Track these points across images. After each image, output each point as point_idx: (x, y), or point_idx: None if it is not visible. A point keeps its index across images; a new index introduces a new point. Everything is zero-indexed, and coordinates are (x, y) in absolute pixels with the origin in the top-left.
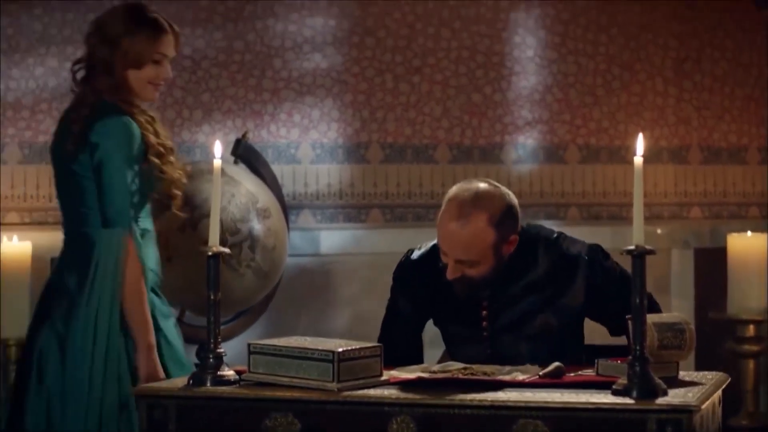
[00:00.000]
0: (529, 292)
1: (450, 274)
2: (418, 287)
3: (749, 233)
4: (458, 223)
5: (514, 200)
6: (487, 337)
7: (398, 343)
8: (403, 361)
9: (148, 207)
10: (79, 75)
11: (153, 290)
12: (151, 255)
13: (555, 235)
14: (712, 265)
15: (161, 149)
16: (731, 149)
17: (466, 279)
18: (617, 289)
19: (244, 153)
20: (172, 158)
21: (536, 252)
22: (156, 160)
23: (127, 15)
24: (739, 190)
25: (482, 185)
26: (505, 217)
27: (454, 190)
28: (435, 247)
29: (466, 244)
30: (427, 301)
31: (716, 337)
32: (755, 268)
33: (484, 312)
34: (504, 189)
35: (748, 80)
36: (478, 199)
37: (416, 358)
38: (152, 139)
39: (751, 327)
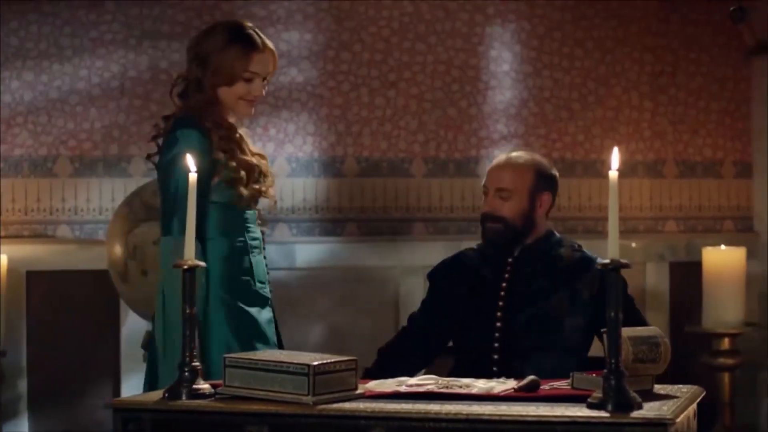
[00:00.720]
0: (546, 274)
1: (487, 205)
2: (447, 279)
3: (723, 247)
4: (506, 159)
5: (557, 176)
6: (500, 317)
7: (408, 350)
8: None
9: (248, 218)
10: (176, 90)
11: (264, 301)
12: (258, 268)
13: (578, 244)
14: (687, 279)
15: (233, 164)
16: (706, 163)
17: (498, 218)
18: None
19: None
20: (244, 174)
21: (560, 248)
22: (222, 177)
23: (219, 33)
24: (715, 204)
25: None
26: (546, 175)
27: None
28: (461, 253)
29: (509, 172)
30: (453, 291)
31: (692, 350)
32: (730, 282)
33: (503, 292)
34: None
35: (723, 94)
36: (528, 154)
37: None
38: (221, 155)
39: (727, 340)
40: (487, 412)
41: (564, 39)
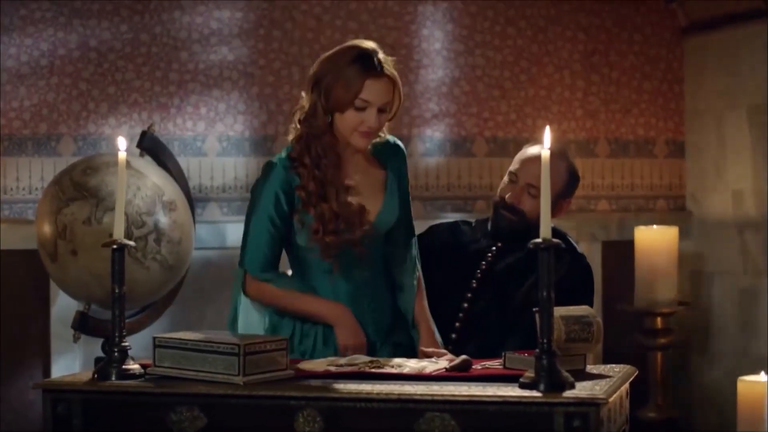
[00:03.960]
0: (526, 264)
1: (512, 196)
2: (435, 243)
3: (656, 226)
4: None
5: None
6: (469, 298)
7: None
8: None
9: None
10: (297, 115)
11: None
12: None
13: (565, 235)
14: (619, 258)
15: (309, 212)
16: (639, 142)
17: (518, 211)
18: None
19: (149, 145)
20: (319, 226)
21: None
22: (299, 219)
23: (338, 54)
24: (647, 183)
25: None
26: (575, 181)
27: None
28: (457, 223)
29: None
30: (436, 257)
31: (624, 329)
32: (662, 261)
33: (480, 273)
34: None
35: (656, 74)
36: (564, 153)
37: None
38: (303, 195)
39: (659, 319)
40: (419, 392)
41: (496, 17)
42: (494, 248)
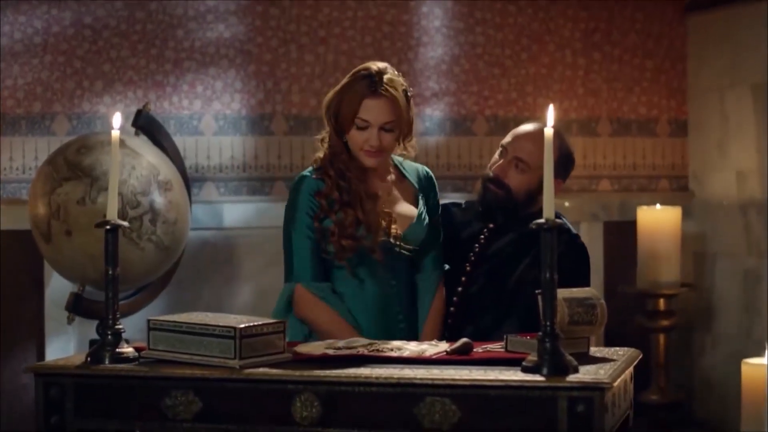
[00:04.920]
0: (520, 244)
1: (498, 168)
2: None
3: (658, 206)
4: (535, 132)
5: (574, 162)
6: (464, 282)
7: None
8: None
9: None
10: (320, 136)
11: None
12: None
13: (560, 216)
14: (621, 239)
15: (328, 218)
16: (641, 121)
17: (503, 185)
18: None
19: (145, 124)
20: (336, 229)
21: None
22: (320, 224)
23: (347, 78)
24: (649, 163)
25: None
26: (566, 163)
27: None
28: (447, 206)
29: (534, 147)
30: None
31: (626, 311)
32: (665, 242)
33: (473, 257)
34: None
35: (658, 52)
36: (557, 132)
37: None
38: (323, 202)
39: (661, 301)
40: (418, 376)
41: None
42: (486, 231)
